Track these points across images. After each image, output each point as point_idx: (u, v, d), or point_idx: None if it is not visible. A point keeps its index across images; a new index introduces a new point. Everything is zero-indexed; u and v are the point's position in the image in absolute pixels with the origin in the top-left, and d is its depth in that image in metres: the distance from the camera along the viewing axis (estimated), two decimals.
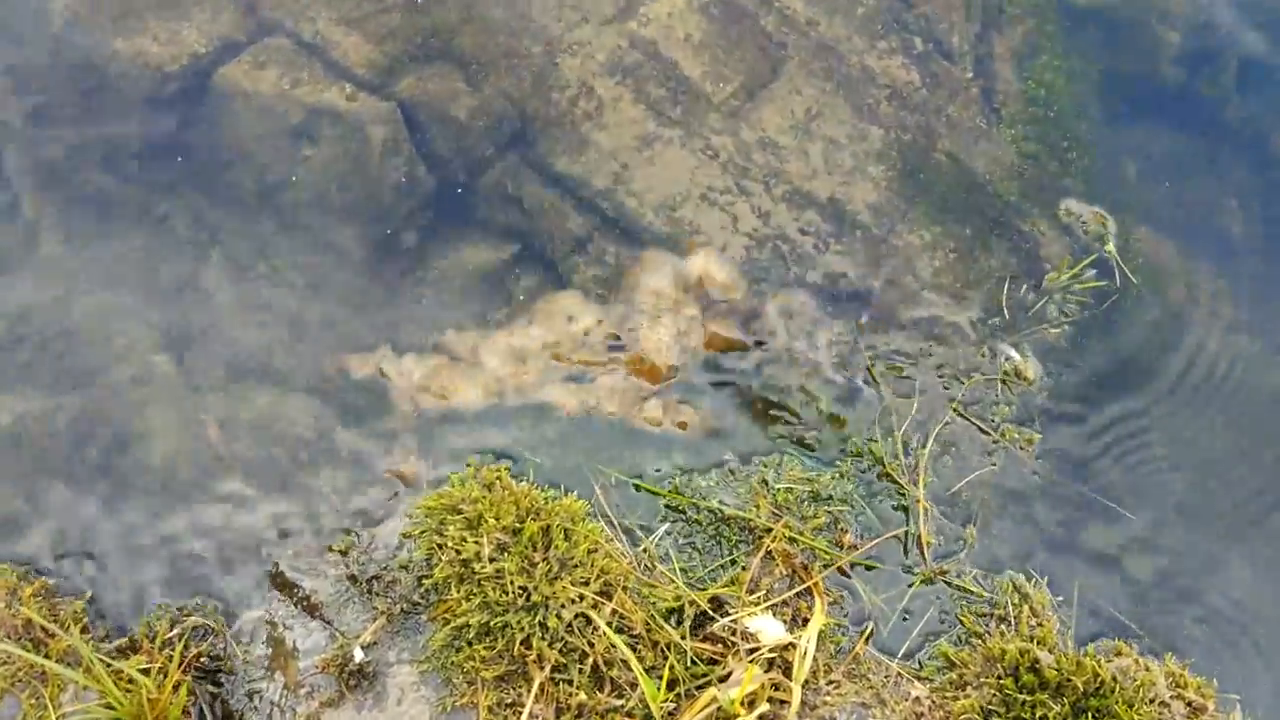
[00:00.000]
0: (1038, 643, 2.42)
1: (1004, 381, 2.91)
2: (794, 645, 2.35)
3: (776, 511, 2.63)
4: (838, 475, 2.73)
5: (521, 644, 2.32)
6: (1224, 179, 3.40)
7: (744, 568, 2.53)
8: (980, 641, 2.49)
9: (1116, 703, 2.27)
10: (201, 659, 2.46)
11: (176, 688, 2.35)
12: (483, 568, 2.37)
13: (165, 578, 2.57)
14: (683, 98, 3.27)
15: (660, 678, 2.29)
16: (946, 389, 2.90)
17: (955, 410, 2.85)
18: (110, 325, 2.86)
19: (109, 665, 2.32)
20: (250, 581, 2.57)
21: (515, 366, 2.84)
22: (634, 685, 2.31)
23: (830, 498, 2.68)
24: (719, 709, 2.25)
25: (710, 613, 2.41)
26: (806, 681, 2.36)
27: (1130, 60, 3.58)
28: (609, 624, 2.33)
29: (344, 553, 2.59)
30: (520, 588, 2.34)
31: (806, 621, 2.44)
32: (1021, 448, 2.83)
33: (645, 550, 2.56)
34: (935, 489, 2.75)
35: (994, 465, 2.80)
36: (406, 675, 2.41)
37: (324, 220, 3.05)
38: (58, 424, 2.72)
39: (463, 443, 2.75)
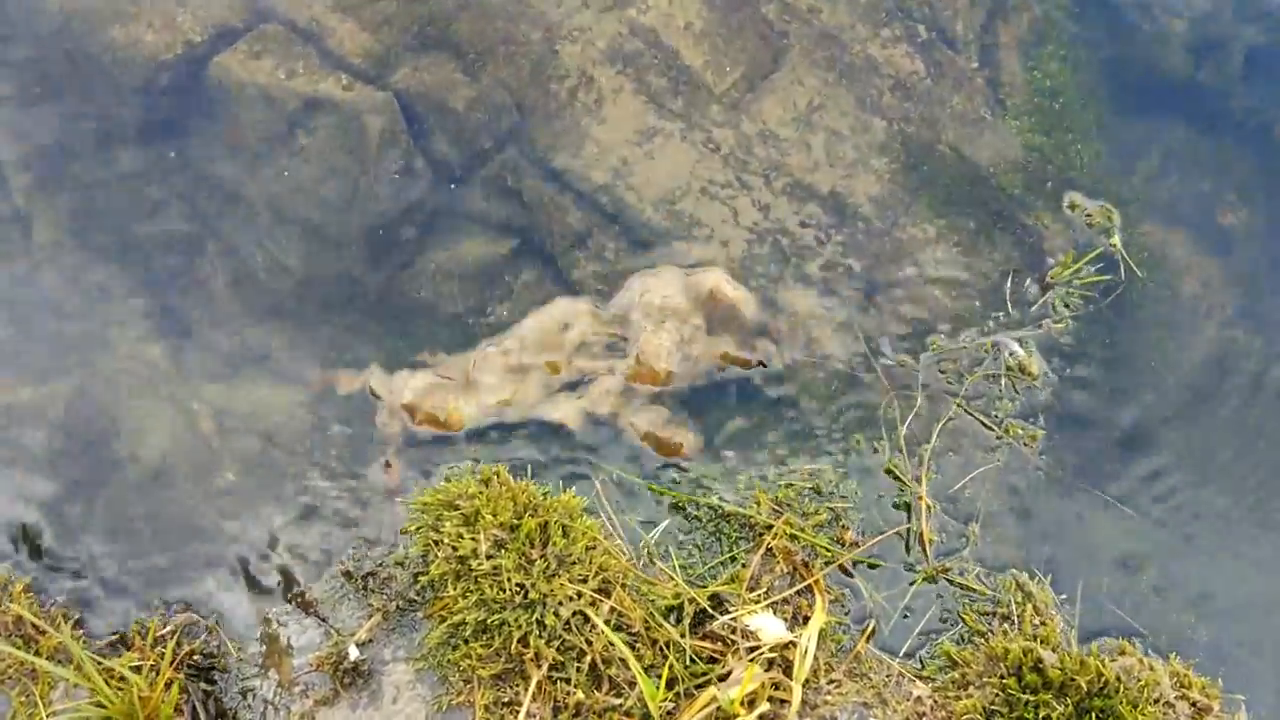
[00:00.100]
0: (1041, 642, 2.40)
1: (1008, 377, 2.88)
2: (795, 644, 2.33)
3: (777, 508, 2.60)
4: (839, 471, 2.70)
5: (519, 642, 2.30)
6: (1230, 171, 3.37)
7: (744, 565, 2.51)
8: (983, 640, 2.47)
9: (1121, 703, 2.25)
10: (194, 656, 2.44)
11: (168, 685, 2.33)
12: (480, 565, 2.35)
13: (158, 574, 2.54)
14: (683, 88, 3.24)
15: (659, 676, 2.27)
16: (949, 384, 2.87)
17: (958, 406, 2.83)
18: (104, 314, 2.83)
19: (100, 663, 2.30)
20: (244, 578, 2.54)
21: (517, 383, 2.81)
22: (632, 684, 2.29)
23: (832, 494, 2.66)
24: (718, 708, 2.23)
25: (710, 610, 2.39)
26: (807, 680, 2.34)
27: (1135, 50, 3.55)
28: (607, 622, 2.31)
29: (339, 549, 2.57)
30: (518, 585, 2.32)
31: (807, 620, 2.42)
32: (1025, 444, 2.81)
33: (644, 547, 2.54)
34: (938, 486, 2.72)
35: (997, 462, 2.77)
36: (402, 673, 2.39)
37: (320, 213, 3.02)
38: (48, 415, 2.70)
39: (453, 454, 2.73)
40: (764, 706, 2.24)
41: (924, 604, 2.56)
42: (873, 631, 2.50)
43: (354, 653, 2.39)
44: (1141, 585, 2.69)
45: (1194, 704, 2.34)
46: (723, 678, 2.30)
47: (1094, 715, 2.25)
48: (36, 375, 2.76)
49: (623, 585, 2.39)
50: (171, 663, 2.37)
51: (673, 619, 2.38)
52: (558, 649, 2.30)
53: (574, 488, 2.61)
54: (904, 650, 2.49)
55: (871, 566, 2.59)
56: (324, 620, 2.48)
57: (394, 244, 3.00)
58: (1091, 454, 2.85)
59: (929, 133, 3.27)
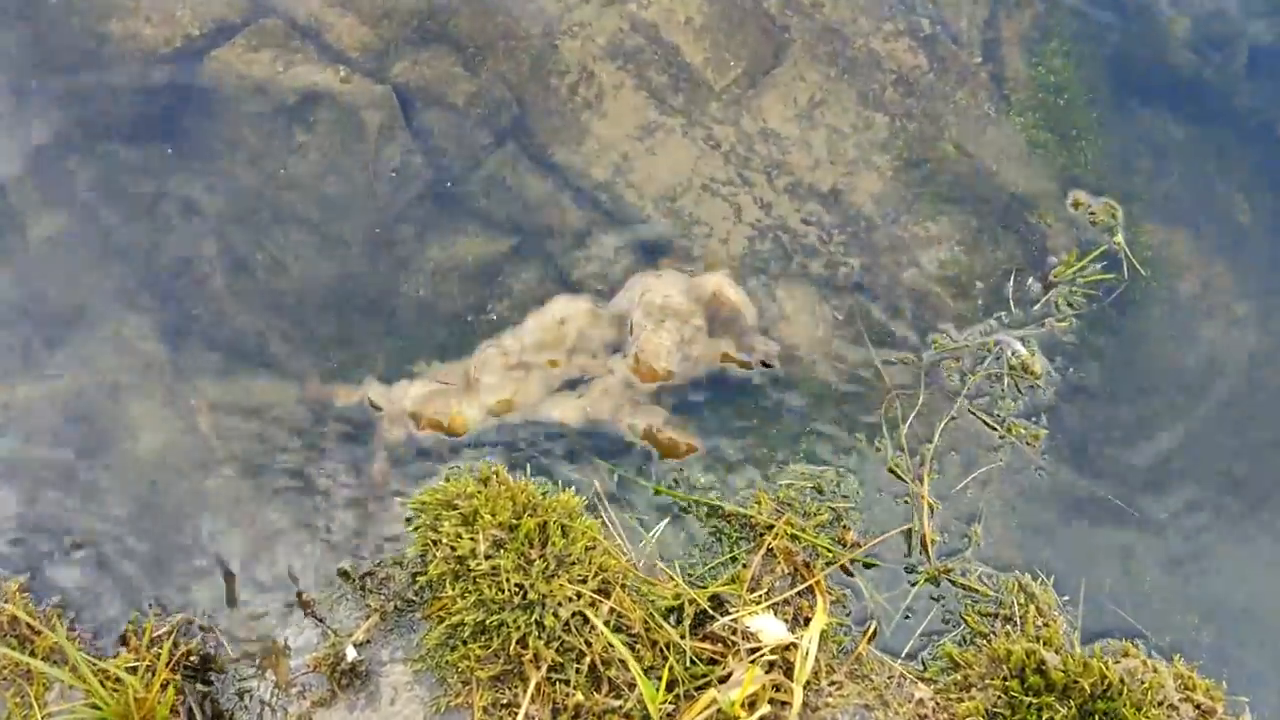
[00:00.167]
0: (1044, 643, 2.39)
1: (1010, 376, 2.86)
2: (795, 645, 2.32)
3: (778, 508, 2.58)
4: (841, 471, 2.69)
5: (517, 643, 2.29)
6: (1234, 168, 3.35)
7: (745, 565, 2.50)
8: (985, 642, 2.45)
9: (1124, 705, 2.24)
10: (190, 657, 2.42)
11: (164, 686, 2.31)
12: (478, 565, 2.33)
13: (154, 573, 2.52)
14: (684, 85, 3.22)
15: (659, 678, 2.26)
16: (952, 384, 2.85)
17: (961, 405, 2.81)
18: (101, 311, 2.81)
19: (95, 664, 2.28)
20: (241, 577, 2.52)
21: (518, 382, 2.79)
22: (632, 685, 2.28)
23: (833, 494, 2.64)
24: (719, 710, 2.22)
25: (710, 612, 2.37)
26: (808, 682, 2.33)
27: (1140, 46, 3.53)
28: (607, 623, 2.30)
29: (337, 548, 2.55)
30: (516, 585, 2.31)
31: (808, 621, 2.41)
32: (1028, 443, 2.79)
33: (644, 547, 2.52)
34: (940, 485, 2.71)
35: (1000, 461, 2.76)
36: (400, 674, 2.37)
37: (318, 208, 3.00)
38: (44, 413, 2.68)
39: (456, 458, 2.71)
40: (765, 709, 2.23)
41: (926, 605, 2.54)
42: (874, 633, 2.48)
43: (351, 653, 2.37)
44: (1145, 586, 2.67)
45: (1198, 706, 2.32)
46: (723, 679, 2.29)
47: (1097, 718, 2.24)
48: (33, 373, 2.74)
49: (622, 586, 2.38)
50: (168, 663, 2.36)
51: (673, 620, 2.37)
52: (557, 650, 2.29)
53: (573, 487, 2.60)
54: (906, 652, 2.48)
55: (873, 567, 2.58)
56: (321, 621, 2.47)
57: (392, 241, 2.98)
58: (1094, 454, 2.83)
59: (932, 129, 3.24)
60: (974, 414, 2.81)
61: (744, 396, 2.81)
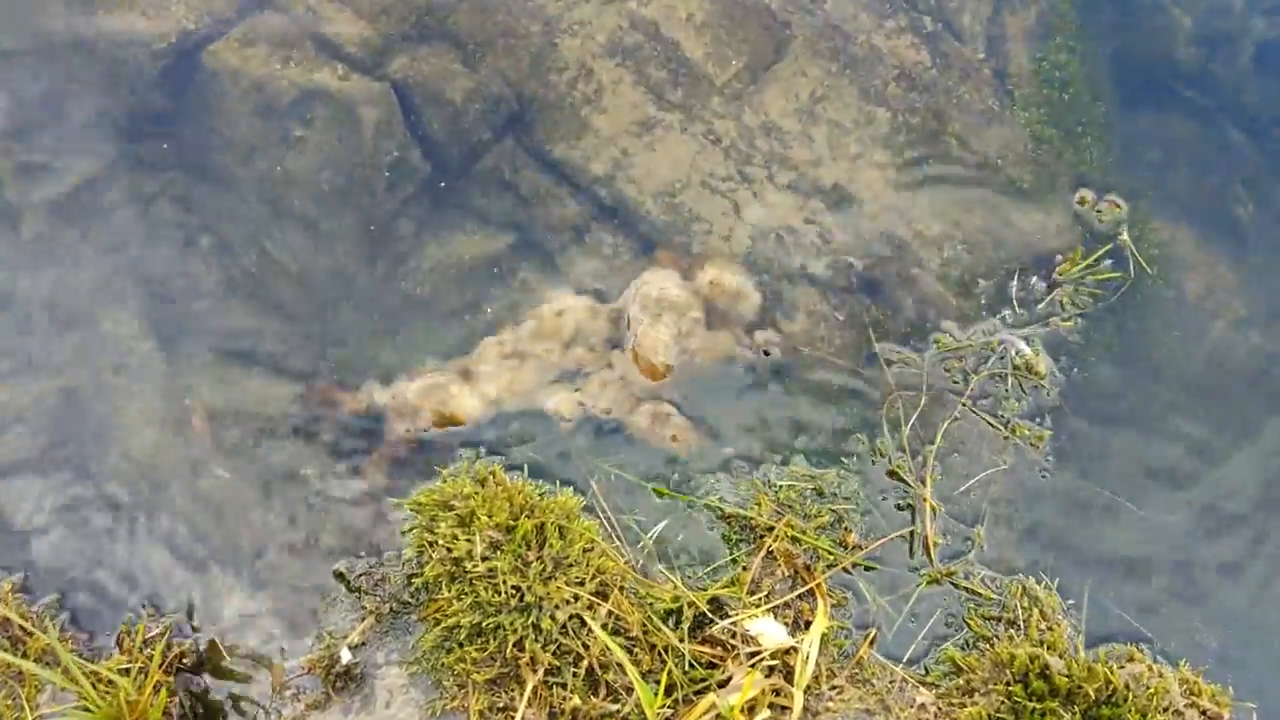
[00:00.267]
0: (1048, 648, 2.36)
1: (1014, 376, 2.83)
2: (796, 649, 2.30)
3: (779, 510, 2.56)
4: (842, 472, 2.66)
5: (514, 646, 2.27)
6: (1240, 165, 3.32)
7: (745, 568, 2.47)
8: (988, 646, 2.43)
9: (1129, 711, 2.22)
10: (184, 659, 2.39)
11: (157, 689, 2.29)
12: (475, 566, 2.31)
13: (147, 574, 2.50)
14: (684, 80, 3.19)
15: (657, 682, 2.24)
16: (955, 384, 2.82)
17: (964, 406, 2.78)
18: (95, 309, 2.79)
19: (87, 666, 2.25)
20: (235, 578, 2.50)
21: (513, 370, 2.76)
22: (630, 689, 2.26)
23: (834, 496, 2.61)
24: (718, 715, 2.19)
25: (709, 615, 2.35)
26: (809, 687, 2.30)
27: (1145, 42, 3.50)
28: (604, 625, 2.27)
29: (332, 548, 2.53)
30: (513, 587, 2.29)
31: (809, 624, 2.38)
32: (1032, 444, 2.76)
33: (643, 549, 2.50)
34: (943, 487, 2.68)
35: (1003, 463, 2.73)
36: (395, 677, 2.35)
37: (315, 205, 2.97)
38: (40, 411, 2.66)
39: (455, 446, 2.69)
40: (765, 713, 2.21)
41: (928, 608, 2.52)
42: (876, 636, 2.46)
43: (346, 656, 2.35)
44: (1150, 590, 2.64)
45: (1204, 712, 2.30)
46: (722, 684, 2.27)
47: None
48: (27, 371, 2.72)
49: (620, 588, 2.36)
50: (160, 665, 2.33)
51: (671, 623, 2.35)
52: (554, 653, 2.27)
53: (571, 487, 2.57)
54: (908, 656, 2.45)
55: (874, 570, 2.55)
56: (316, 622, 2.44)
57: (389, 238, 2.95)
58: (1100, 455, 2.80)
59: (935, 124, 3.22)
60: (977, 415, 2.78)
61: (744, 395, 2.78)
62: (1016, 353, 2.84)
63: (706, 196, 3.03)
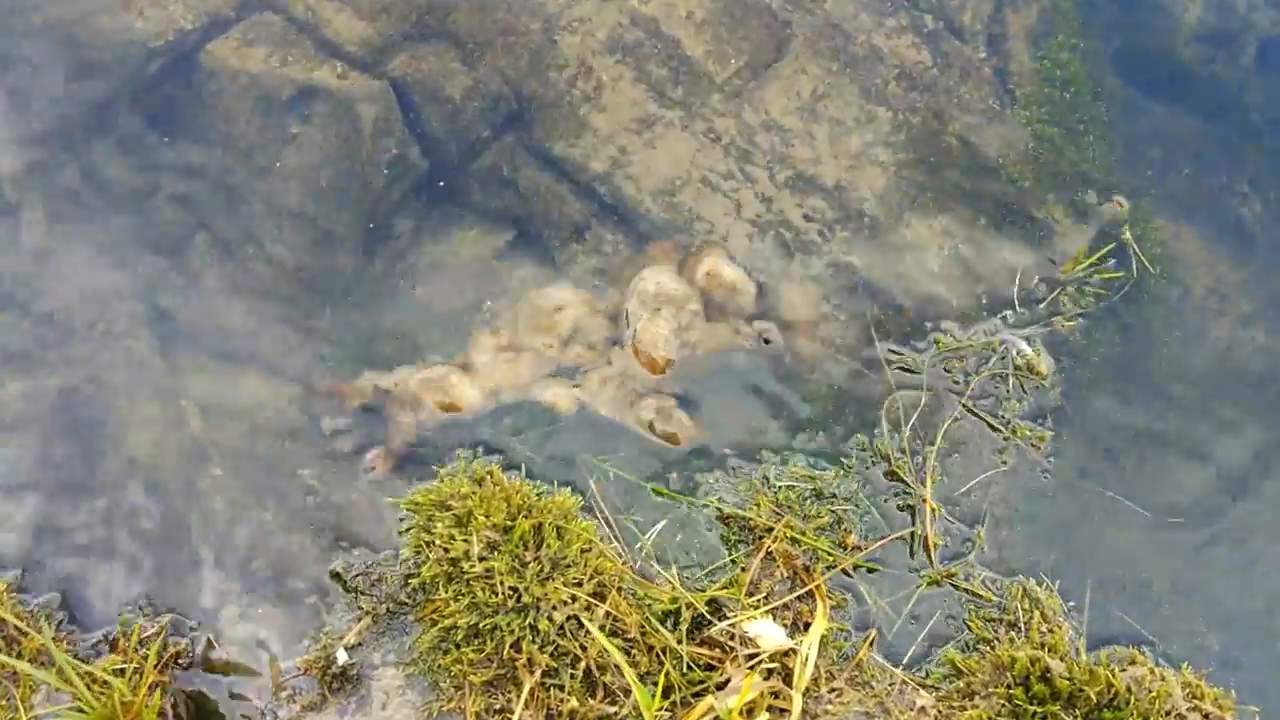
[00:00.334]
0: (1049, 650, 2.35)
1: (1015, 376, 2.81)
2: (795, 651, 2.28)
3: (778, 510, 2.54)
4: (842, 473, 2.64)
5: (511, 647, 2.26)
6: (1243, 163, 3.30)
7: (744, 569, 2.45)
8: (989, 648, 2.41)
9: (1131, 714, 2.20)
10: (179, 658, 2.38)
11: (152, 689, 2.28)
12: (472, 567, 2.30)
13: (143, 573, 2.49)
14: (684, 78, 3.18)
15: (655, 684, 2.22)
16: (955, 384, 2.81)
17: (964, 406, 2.76)
18: (93, 308, 2.78)
19: (82, 667, 2.24)
20: (231, 577, 2.49)
21: (509, 363, 2.75)
22: (628, 691, 2.24)
23: (834, 496, 2.60)
24: (716, 718, 2.17)
25: (708, 616, 2.33)
26: (808, 689, 2.29)
27: (1147, 40, 3.49)
28: (602, 627, 2.26)
29: (328, 549, 2.51)
30: (510, 588, 2.27)
31: (808, 626, 2.36)
32: (1034, 445, 2.74)
33: (641, 549, 2.48)
34: (943, 488, 2.66)
35: (1004, 464, 2.71)
36: (391, 678, 2.34)
37: (313, 203, 2.96)
38: (35, 410, 2.64)
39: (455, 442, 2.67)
40: (763, 716, 2.20)
41: (928, 610, 2.50)
42: (875, 638, 2.44)
43: (342, 656, 2.34)
44: (1153, 592, 2.63)
45: (1206, 716, 2.28)
46: (721, 686, 2.25)
47: None
48: (23, 370, 2.71)
49: (618, 589, 2.34)
50: (155, 665, 2.32)
51: (669, 624, 2.33)
52: (551, 655, 2.26)
53: (569, 487, 2.56)
54: (907, 658, 2.44)
55: (874, 571, 2.53)
56: (312, 622, 2.43)
57: (388, 236, 2.94)
58: (1101, 456, 2.78)
59: (936, 123, 3.20)
60: (978, 415, 2.76)
61: (745, 394, 2.76)
62: (1018, 353, 2.83)
63: (707, 194, 3.02)
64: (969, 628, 2.47)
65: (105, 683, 2.23)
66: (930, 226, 3.04)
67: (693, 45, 3.22)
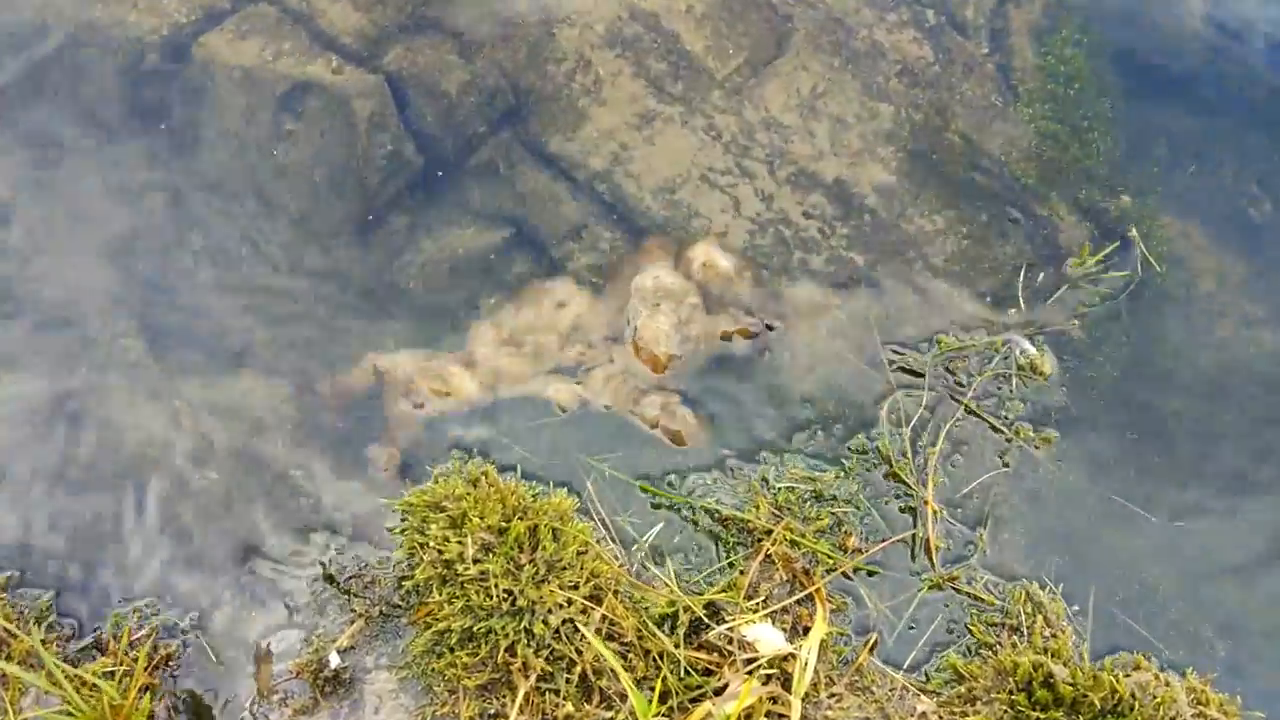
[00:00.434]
0: (1052, 655, 2.32)
1: (1018, 376, 2.78)
2: (794, 655, 2.25)
3: (777, 512, 2.51)
4: (842, 475, 2.61)
5: (506, 651, 2.23)
6: (1249, 160, 3.27)
7: (742, 572, 2.43)
8: (991, 653, 2.38)
9: None
10: (170, 661, 2.35)
11: (142, 692, 2.25)
12: (466, 569, 2.27)
13: (136, 575, 2.46)
14: (684, 73, 3.14)
15: (651, 689, 2.19)
16: (958, 384, 2.77)
17: (966, 407, 2.73)
18: (85, 307, 2.75)
19: (71, 670, 2.21)
20: (224, 579, 2.46)
21: (507, 362, 2.72)
22: (624, 696, 2.21)
23: (834, 498, 2.57)
24: None
25: (706, 620, 2.31)
26: (807, 694, 2.26)
27: (1153, 35, 3.46)
28: (598, 631, 2.23)
29: (322, 551, 2.49)
30: (505, 591, 2.25)
31: (807, 630, 2.34)
32: (1036, 447, 2.71)
33: (638, 552, 2.45)
34: (945, 490, 2.63)
35: (1007, 466, 2.68)
36: (385, 682, 2.31)
37: (308, 199, 2.93)
38: (30, 411, 2.62)
39: (450, 440, 2.64)
40: None
41: (929, 614, 2.47)
42: (876, 643, 2.41)
43: (335, 660, 2.31)
44: (1158, 597, 2.60)
45: None
46: (718, 691, 2.22)
47: None
48: (18, 370, 2.68)
49: (615, 592, 2.31)
50: (146, 668, 2.29)
51: (666, 628, 2.30)
52: (546, 659, 2.23)
53: (566, 488, 2.53)
54: (908, 663, 2.41)
55: (875, 574, 2.50)
56: (304, 625, 2.40)
57: (383, 233, 2.91)
58: (1106, 458, 2.75)
59: (938, 120, 3.17)
60: (980, 416, 2.73)
61: (745, 393, 2.73)
62: (1021, 352, 2.80)
63: (706, 191, 2.99)
64: (971, 632, 2.45)
65: (95, 686, 2.21)
66: (932, 223, 3.01)
67: (692, 40, 3.19)
